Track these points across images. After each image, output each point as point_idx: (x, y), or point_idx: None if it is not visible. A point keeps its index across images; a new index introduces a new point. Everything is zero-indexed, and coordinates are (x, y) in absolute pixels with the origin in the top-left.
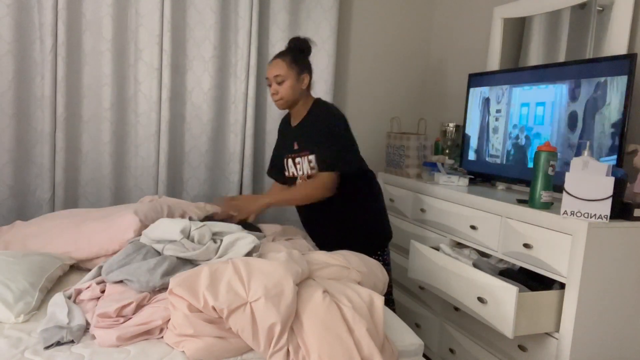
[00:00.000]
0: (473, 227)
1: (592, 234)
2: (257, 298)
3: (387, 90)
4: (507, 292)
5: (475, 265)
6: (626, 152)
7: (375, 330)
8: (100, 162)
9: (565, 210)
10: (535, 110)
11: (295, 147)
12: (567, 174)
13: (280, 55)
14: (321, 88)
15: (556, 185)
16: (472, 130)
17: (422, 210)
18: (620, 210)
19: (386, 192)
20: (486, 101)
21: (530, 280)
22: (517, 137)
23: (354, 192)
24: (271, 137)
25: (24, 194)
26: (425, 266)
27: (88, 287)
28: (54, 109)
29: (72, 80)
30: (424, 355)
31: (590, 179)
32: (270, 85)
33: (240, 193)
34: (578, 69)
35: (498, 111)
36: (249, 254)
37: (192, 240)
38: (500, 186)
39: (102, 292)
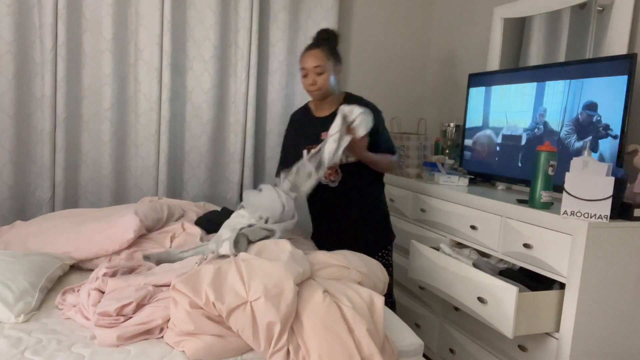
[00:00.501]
0: (473, 227)
1: (592, 234)
2: (257, 297)
3: (387, 90)
4: (507, 292)
5: (475, 265)
6: (626, 152)
7: (376, 330)
8: (100, 162)
9: (565, 210)
10: None
11: (323, 137)
12: (567, 174)
13: (317, 45)
14: None
15: (556, 185)
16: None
17: (422, 210)
18: (620, 210)
19: (386, 192)
20: (486, 101)
21: (530, 280)
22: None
23: (371, 188)
24: (271, 137)
25: (24, 194)
26: (426, 266)
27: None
28: (54, 109)
29: (72, 80)
30: (424, 355)
31: (590, 179)
32: (305, 76)
33: (240, 193)
34: (578, 68)
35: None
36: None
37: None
38: (500, 186)
39: (102, 292)
